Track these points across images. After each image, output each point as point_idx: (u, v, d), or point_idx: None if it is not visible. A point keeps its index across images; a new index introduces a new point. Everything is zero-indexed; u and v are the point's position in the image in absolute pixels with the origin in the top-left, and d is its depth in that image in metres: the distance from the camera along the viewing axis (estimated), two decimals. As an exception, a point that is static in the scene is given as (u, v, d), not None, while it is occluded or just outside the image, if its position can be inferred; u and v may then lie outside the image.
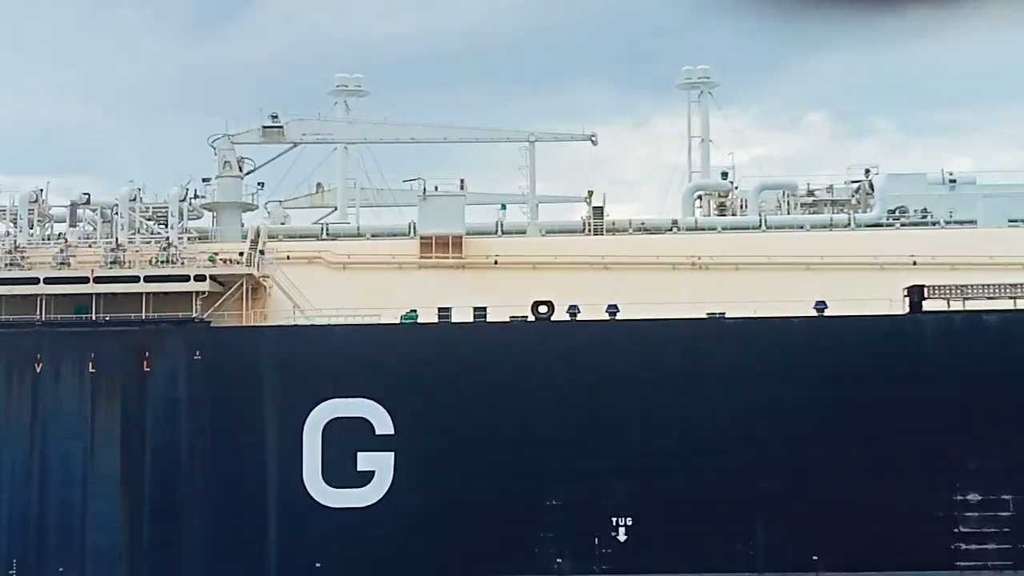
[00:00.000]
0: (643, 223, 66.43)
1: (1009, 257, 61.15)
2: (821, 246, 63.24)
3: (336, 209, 75.49)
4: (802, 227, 66.69)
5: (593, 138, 68.37)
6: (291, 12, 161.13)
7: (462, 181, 65.67)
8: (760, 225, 66.56)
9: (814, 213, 70.47)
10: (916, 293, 56.19)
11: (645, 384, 55.57)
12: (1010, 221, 65.52)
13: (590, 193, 66.56)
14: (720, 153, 74.31)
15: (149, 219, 66.34)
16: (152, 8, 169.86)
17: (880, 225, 66.95)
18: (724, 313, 57.42)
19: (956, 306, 56.26)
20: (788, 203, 70.70)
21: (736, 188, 72.08)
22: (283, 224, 72.32)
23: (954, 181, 71.46)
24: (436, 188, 63.94)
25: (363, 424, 55.95)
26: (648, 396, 55.47)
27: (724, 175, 72.28)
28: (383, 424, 55.91)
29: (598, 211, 65.80)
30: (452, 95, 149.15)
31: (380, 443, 55.80)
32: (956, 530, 54.77)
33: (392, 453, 55.84)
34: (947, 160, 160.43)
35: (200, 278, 59.08)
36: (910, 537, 54.40)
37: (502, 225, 66.94)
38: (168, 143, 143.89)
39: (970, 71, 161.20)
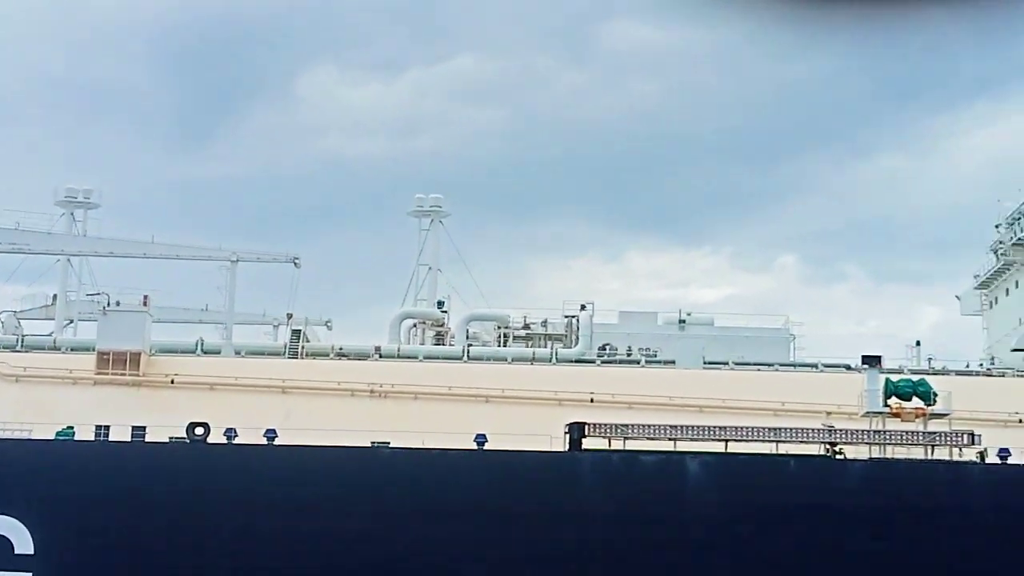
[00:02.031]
0: (341, 348, 65.95)
1: (694, 398, 61.60)
2: (517, 379, 63.09)
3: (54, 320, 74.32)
4: (506, 359, 66.61)
5: (296, 261, 68.05)
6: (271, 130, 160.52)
7: (145, 297, 64.68)
8: (462, 356, 66.36)
9: (531, 346, 70.65)
10: (576, 430, 55.41)
11: (298, 511, 54.26)
12: (705, 363, 66.14)
13: (289, 316, 66.11)
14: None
15: None
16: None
17: (582, 361, 67.13)
18: (389, 442, 56.61)
19: (617, 444, 55.86)
20: (503, 335, 70.72)
21: (454, 317, 72.25)
22: (14, 335, 71.27)
23: (683, 322, 72.69)
24: (119, 303, 62.98)
25: (2, 542, 53.94)
26: (301, 522, 54.12)
27: (440, 304, 72.30)
28: (23, 543, 53.89)
29: (296, 334, 65.30)
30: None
31: (18, 563, 53.64)
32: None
33: (30, 574, 53.83)
34: (914, 308, 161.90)
35: None
36: None
37: (202, 343, 66.07)
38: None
39: (941, 221, 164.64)
